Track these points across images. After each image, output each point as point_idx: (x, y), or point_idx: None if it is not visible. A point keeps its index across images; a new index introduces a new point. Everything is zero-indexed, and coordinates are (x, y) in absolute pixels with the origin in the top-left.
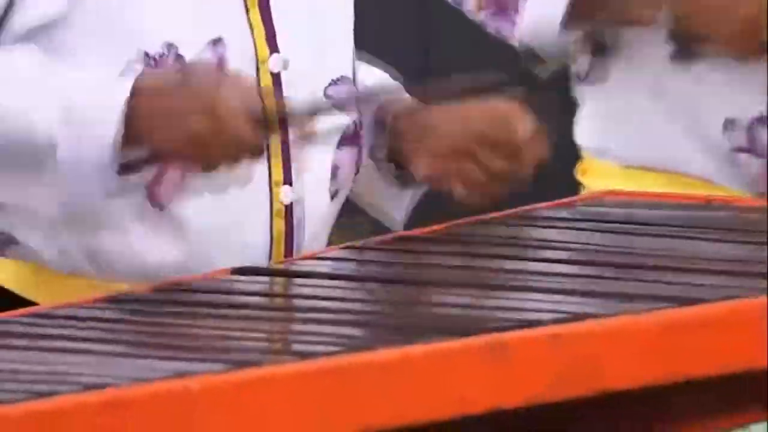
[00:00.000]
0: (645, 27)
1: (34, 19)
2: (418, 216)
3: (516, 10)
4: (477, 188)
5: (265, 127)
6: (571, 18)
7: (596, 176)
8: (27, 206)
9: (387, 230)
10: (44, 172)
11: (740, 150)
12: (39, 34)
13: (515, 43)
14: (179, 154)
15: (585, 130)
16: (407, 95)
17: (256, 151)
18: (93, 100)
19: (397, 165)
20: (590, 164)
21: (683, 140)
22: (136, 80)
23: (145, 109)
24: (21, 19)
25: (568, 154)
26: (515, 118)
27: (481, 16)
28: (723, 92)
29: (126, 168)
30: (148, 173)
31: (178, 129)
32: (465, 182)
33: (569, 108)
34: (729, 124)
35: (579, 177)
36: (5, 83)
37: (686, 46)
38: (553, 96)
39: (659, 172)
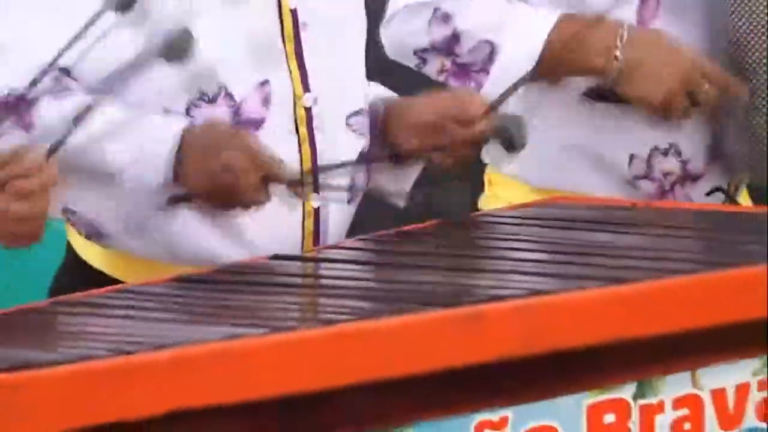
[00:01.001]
0: (603, 79)
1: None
2: (419, 217)
3: (483, 72)
4: (448, 153)
5: (269, 178)
6: (533, 77)
7: (503, 189)
8: (112, 215)
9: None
10: (115, 188)
11: (639, 177)
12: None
13: None
14: (203, 199)
15: (495, 157)
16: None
17: (261, 202)
18: (154, 141)
19: (391, 149)
20: (496, 178)
21: (590, 169)
22: (183, 132)
23: (184, 162)
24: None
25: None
26: (470, 99)
27: (442, 78)
28: (625, 127)
29: (172, 200)
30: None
31: (202, 181)
32: (439, 149)
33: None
34: (632, 158)
35: (486, 188)
36: (95, 124)
37: (610, 98)
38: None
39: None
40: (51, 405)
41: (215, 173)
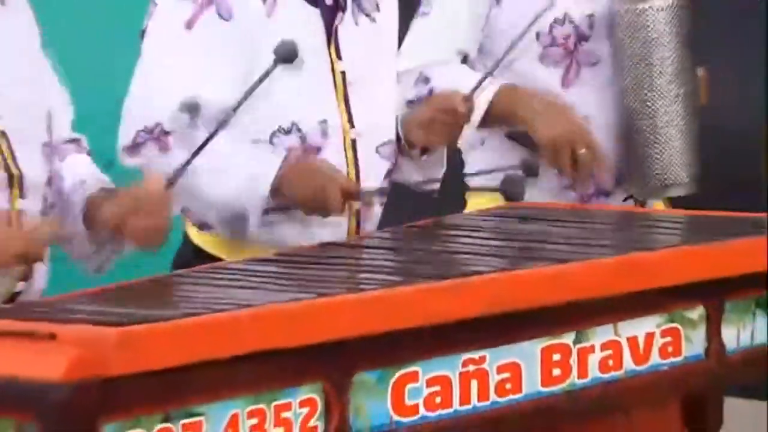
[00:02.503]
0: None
1: (215, 109)
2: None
3: None
4: (442, 137)
5: (349, 196)
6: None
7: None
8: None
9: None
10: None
11: (566, 188)
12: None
13: None
14: (302, 207)
15: (475, 170)
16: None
17: (341, 212)
18: (256, 167)
19: (408, 144)
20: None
21: (552, 182)
22: (285, 159)
23: (284, 179)
24: (209, 113)
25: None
26: (456, 97)
27: None
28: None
29: (274, 210)
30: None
31: (302, 197)
32: (436, 136)
33: None
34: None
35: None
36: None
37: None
38: None
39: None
40: (170, 347)
41: (314, 192)
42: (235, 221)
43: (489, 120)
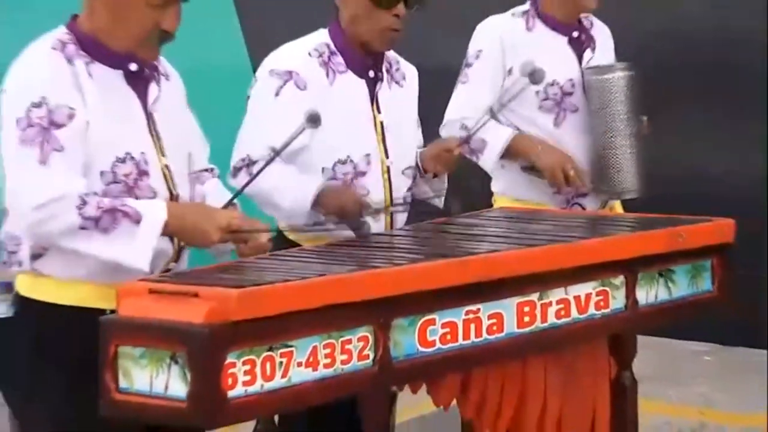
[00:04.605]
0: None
1: (296, 147)
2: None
3: (480, 152)
4: (445, 167)
5: (363, 208)
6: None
7: (500, 202)
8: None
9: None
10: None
11: (556, 193)
12: (293, 155)
13: None
14: (334, 217)
15: (497, 185)
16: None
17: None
18: (303, 189)
19: (424, 171)
20: (498, 198)
21: (535, 190)
22: (319, 187)
23: (322, 200)
24: (292, 149)
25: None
26: (452, 142)
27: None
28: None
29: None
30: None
31: (334, 208)
32: (441, 166)
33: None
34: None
35: (493, 202)
36: (280, 179)
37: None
38: None
39: (526, 201)
40: (271, 302)
41: (343, 205)
42: (357, 224)
43: (506, 155)
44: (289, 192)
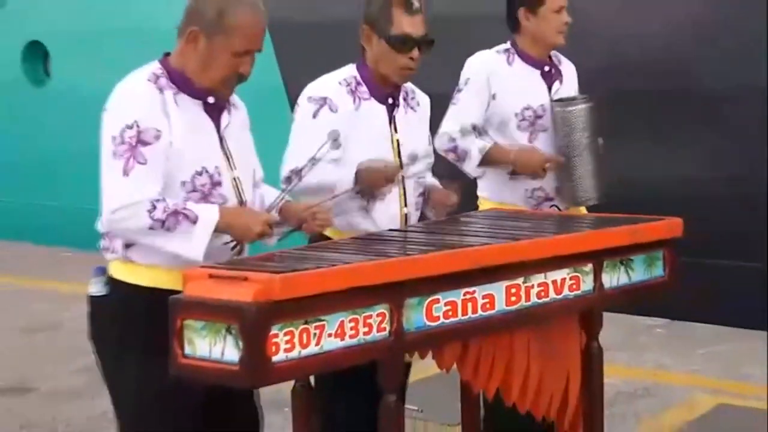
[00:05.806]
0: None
1: (331, 159)
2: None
3: (463, 160)
4: (447, 211)
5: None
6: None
7: (484, 204)
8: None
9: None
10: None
11: (528, 198)
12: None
13: None
14: (367, 192)
15: (481, 190)
16: None
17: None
18: (342, 173)
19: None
20: (482, 201)
21: (521, 196)
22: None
23: (359, 169)
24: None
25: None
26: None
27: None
28: (520, 179)
29: (358, 192)
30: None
31: (372, 182)
32: (442, 210)
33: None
34: (525, 191)
35: (479, 204)
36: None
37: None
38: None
39: (505, 203)
40: (307, 284)
41: (374, 182)
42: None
43: (485, 163)
44: (331, 178)
